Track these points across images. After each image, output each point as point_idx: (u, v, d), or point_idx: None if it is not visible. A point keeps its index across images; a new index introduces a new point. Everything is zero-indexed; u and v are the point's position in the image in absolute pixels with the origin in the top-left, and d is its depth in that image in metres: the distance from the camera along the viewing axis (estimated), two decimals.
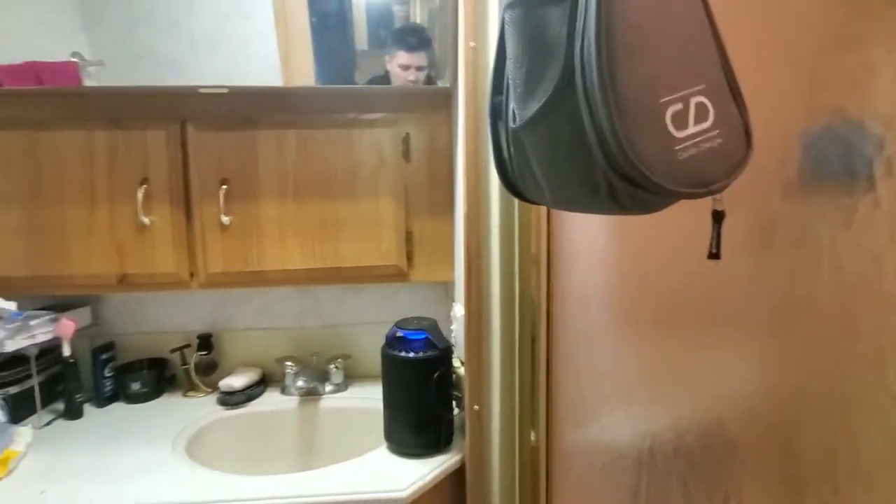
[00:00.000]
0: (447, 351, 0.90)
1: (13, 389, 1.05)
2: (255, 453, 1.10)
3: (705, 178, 0.34)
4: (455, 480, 0.91)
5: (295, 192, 1.06)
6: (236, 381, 1.16)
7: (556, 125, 0.40)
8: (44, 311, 1.07)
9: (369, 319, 1.29)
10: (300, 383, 1.14)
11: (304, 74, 1.05)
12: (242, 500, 0.79)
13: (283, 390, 1.21)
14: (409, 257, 1.10)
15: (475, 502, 0.90)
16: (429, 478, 0.84)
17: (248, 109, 1.06)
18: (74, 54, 1.02)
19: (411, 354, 0.87)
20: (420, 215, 1.10)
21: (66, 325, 1.06)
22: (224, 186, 1.04)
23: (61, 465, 0.90)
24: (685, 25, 0.36)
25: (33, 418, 1.06)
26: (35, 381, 1.06)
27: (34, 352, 1.04)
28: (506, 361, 0.83)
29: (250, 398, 1.16)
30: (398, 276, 1.11)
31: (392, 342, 0.92)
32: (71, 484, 0.83)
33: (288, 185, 1.06)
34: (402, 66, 1.05)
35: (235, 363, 1.25)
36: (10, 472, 0.86)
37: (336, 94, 1.08)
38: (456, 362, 0.99)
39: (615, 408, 0.57)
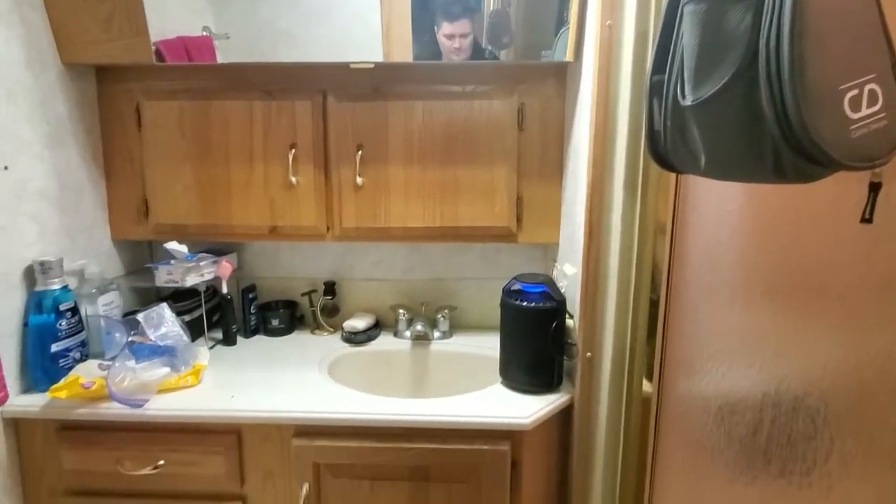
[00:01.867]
0: (563, 304, 1.01)
1: (187, 317, 1.27)
2: (381, 384, 1.28)
3: (871, 154, 0.41)
4: (562, 419, 1.03)
5: (420, 157, 1.18)
6: (358, 324, 1.33)
7: (729, 104, 0.48)
8: (206, 254, 1.27)
9: (472, 275, 1.42)
10: (419, 327, 1.29)
11: (402, 47, 1.11)
12: (389, 415, 0.95)
13: (396, 334, 1.37)
14: (519, 219, 1.21)
15: (581, 438, 1.03)
16: (545, 410, 0.97)
17: (379, 82, 1.18)
18: (205, 28, 1.16)
19: (531, 304, 0.99)
20: (530, 181, 1.19)
21: (225, 267, 1.26)
22: (359, 151, 1.18)
23: (237, 377, 1.10)
24: (861, 20, 0.43)
25: (201, 340, 1.29)
26: (203, 312, 1.28)
27: (203, 287, 1.25)
28: (620, 316, 0.93)
29: (370, 338, 1.34)
30: (507, 236, 1.22)
31: (510, 293, 1.04)
32: (251, 392, 1.03)
33: (413, 151, 1.19)
34: (446, 35, 1.07)
35: (354, 308, 1.43)
36: (201, 381, 1.07)
37: (458, 69, 1.17)
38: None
39: (738, 359, 0.66)
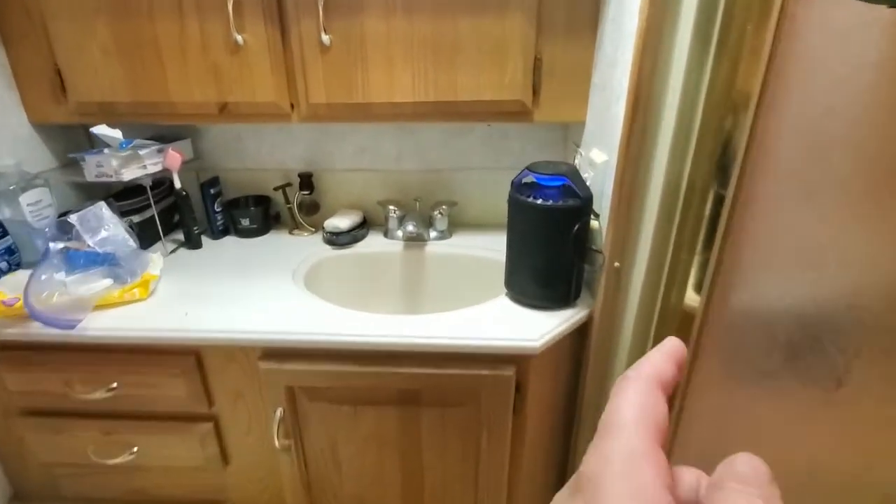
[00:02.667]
0: (589, 201, 0.78)
1: (136, 218, 1.07)
2: (368, 292, 1.12)
3: None
4: (577, 335, 0.87)
5: (405, 5, 0.88)
6: (341, 223, 1.13)
7: None
8: (150, 142, 1.04)
9: (475, 164, 1.18)
10: (410, 227, 1.09)
11: None
12: (372, 337, 0.80)
13: (387, 234, 1.18)
14: (536, 91, 0.93)
15: (597, 360, 0.87)
16: (558, 330, 0.80)
17: None
18: None
19: (549, 202, 0.77)
20: (553, 36, 0.90)
21: (174, 157, 1.03)
22: None
23: (195, 289, 0.94)
24: None
25: (158, 245, 1.11)
26: (154, 211, 1.08)
27: (148, 182, 1.04)
28: (664, 216, 0.72)
29: (356, 239, 1.15)
30: (520, 114, 0.95)
31: (521, 188, 0.82)
32: (209, 307, 0.87)
33: None
34: None
35: (337, 204, 1.22)
36: (151, 294, 0.90)
37: None
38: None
39: (830, 273, 0.46)
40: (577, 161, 1.00)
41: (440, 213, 1.15)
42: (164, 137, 1.12)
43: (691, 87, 0.65)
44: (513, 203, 0.82)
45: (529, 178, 0.83)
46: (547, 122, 0.97)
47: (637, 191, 0.74)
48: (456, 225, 1.21)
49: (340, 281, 1.10)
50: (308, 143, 1.19)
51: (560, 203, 0.77)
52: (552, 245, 0.80)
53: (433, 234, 1.16)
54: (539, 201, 0.77)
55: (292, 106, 0.97)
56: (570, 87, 0.93)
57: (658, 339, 0.78)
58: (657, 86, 0.67)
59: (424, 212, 1.16)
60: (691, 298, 0.71)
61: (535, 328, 0.80)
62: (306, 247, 1.14)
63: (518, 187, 0.83)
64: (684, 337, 0.68)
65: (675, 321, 0.74)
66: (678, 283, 0.74)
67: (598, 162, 0.83)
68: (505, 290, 0.90)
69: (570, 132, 1.09)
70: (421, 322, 0.83)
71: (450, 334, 0.79)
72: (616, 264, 0.79)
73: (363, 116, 0.98)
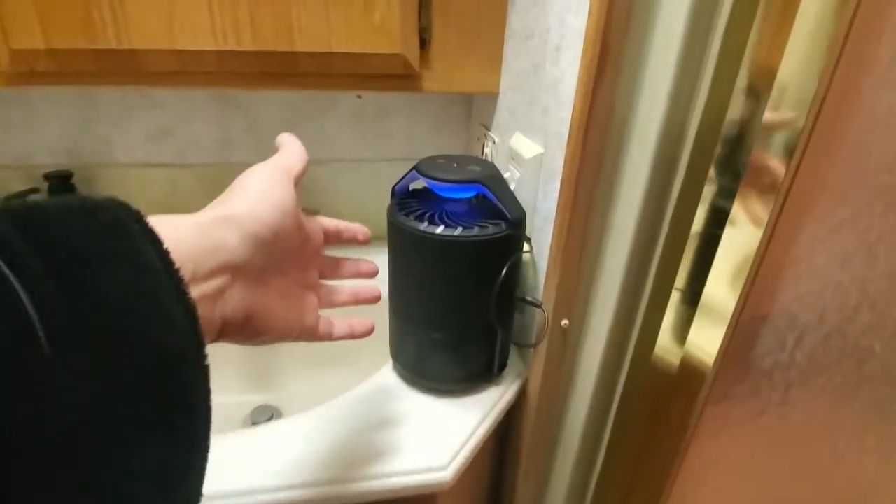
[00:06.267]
0: (520, 224, 0.47)
1: None
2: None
3: None
4: (500, 426, 0.57)
5: None
6: None
7: None
8: None
9: (342, 155, 0.81)
10: None
11: None
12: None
13: None
14: (425, 40, 0.59)
15: (532, 460, 0.58)
16: (478, 433, 0.49)
17: None
18: None
19: (456, 231, 0.44)
20: None
21: None
22: None
23: None
24: None
25: None
26: None
27: None
28: (642, 243, 0.43)
29: None
30: (401, 78, 0.61)
31: (406, 200, 0.48)
32: None
33: None
34: None
35: None
36: None
37: None
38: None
39: None
40: (487, 152, 0.68)
41: None
42: None
43: (698, 27, 0.35)
44: (395, 229, 0.47)
45: (420, 184, 0.49)
46: (443, 91, 0.64)
47: (596, 202, 0.44)
48: None
49: None
50: (65, 123, 0.73)
51: (476, 231, 0.44)
52: (463, 297, 0.48)
53: None
54: (440, 230, 0.44)
55: None
56: (476, 36, 0.61)
57: (623, 419, 0.51)
58: (637, 25, 0.37)
59: None
60: (666, 349, 0.44)
61: (442, 436, 0.48)
62: None
63: (401, 199, 0.49)
64: (684, 398, 0.40)
65: (649, 387, 0.47)
66: (649, 337, 0.46)
67: (526, 156, 0.52)
68: (391, 360, 0.57)
69: (477, 108, 0.78)
70: (251, 441, 0.46)
71: (299, 469, 0.44)
72: (564, 322, 0.49)
73: (128, 74, 0.56)
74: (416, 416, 0.50)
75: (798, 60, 0.29)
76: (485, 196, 0.46)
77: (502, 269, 0.45)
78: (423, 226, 0.44)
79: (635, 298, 0.46)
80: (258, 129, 0.77)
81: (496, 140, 0.66)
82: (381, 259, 0.80)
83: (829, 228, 0.34)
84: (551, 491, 0.61)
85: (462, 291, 0.47)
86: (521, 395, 0.56)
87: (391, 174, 0.81)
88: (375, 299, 0.40)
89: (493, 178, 0.45)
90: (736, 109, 0.34)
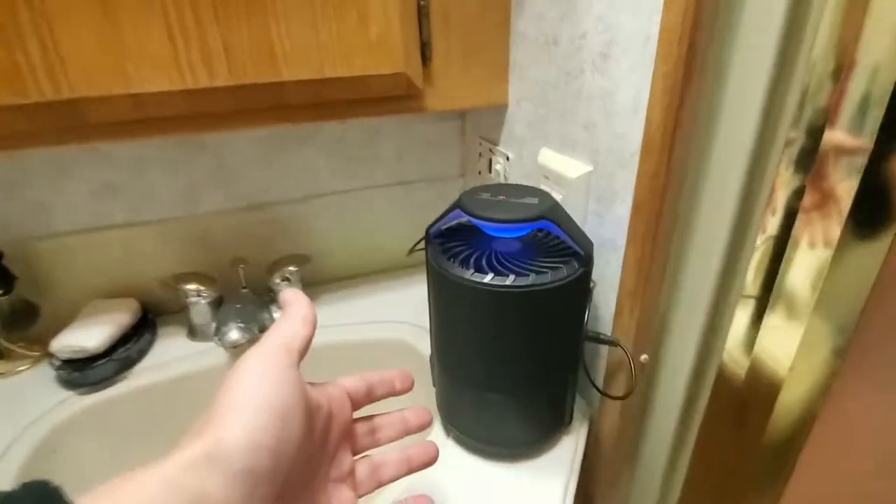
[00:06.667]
0: (592, 259, 0.41)
1: None
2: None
3: None
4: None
5: None
6: (89, 337, 0.58)
7: None
8: None
9: (326, 188, 0.72)
10: (233, 335, 0.59)
11: None
12: None
13: (192, 332, 0.66)
14: (426, 56, 0.52)
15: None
16: (570, 496, 0.42)
17: None
18: None
19: (529, 279, 0.37)
20: None
21: None
22: None
23: None
24: None
25: None
26: None
27: None
28: (729, 258, 0.38)
29: (127, 364, 0.61)
30: (403, 99, 0.53)
31: (446, 243, 0.41)
32: None
33: None
34: None
35: (74, 301, 0.65)
36: None
37: None
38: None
39: None
40: (497, 169, 0.62)
41: (284, 278, 0.68)
42: None
43: (797, 15, 0.31)
44: (440, 281, 0.40)
45: (462, 221, 0.42)
46: (448, 109, 0.57)
47: (677, 226, 0.39)
48: (314, 290, 0.74)
49: (107, 455, 0.56)
50: None
51: (549, 277, 0.37)
52: (537, 348, 0.41)
53: (278, 316, 0.68)
54: (510, 280, 0.37)
55: None
56: (479, 45, 0.54)
57: (704, 445, 0.46)
58: (723, 19, 0.32)
59: (256, 282, 0.67)
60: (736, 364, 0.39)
61: None
62: (19, 400, 0.56)
63: (441, 243, 0.42)
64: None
65: (741, 405, 0.42)
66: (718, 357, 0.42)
67: (569, 176, 0.46)
68: (440, 424, 0.49)
69: (473, 122, 0.71)
70: None
71: None
72: (644, 357, 0.44)
73: (70, 131, 0.45)
74: (493, 491, 0.43)
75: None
76: (550, 230, 0.39)
77: (576, 312, 0.39)
78: (488, 278, 0.37)
79: (720, 324, 0.41)
80: (227, 170, 0.67)
81: (510, 156, 0.60)
82: (404, 296, 0.72)
83: None
84: None
85: (534, 344, 0.40)
86: (590, 438, 0.51)
87: (382, 203, 0.74)
88: (432, 461, 0.32)
89: (556, 211, 0.39)
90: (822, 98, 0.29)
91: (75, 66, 0.42)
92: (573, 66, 0.44)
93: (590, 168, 0.45)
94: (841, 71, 0.28)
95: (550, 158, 0.49)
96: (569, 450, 0.47)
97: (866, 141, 0.27)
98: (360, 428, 0.31)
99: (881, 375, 0.36)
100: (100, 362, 0.58)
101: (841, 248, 0.30)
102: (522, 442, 0.45)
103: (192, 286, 0.64)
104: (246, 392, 0.22)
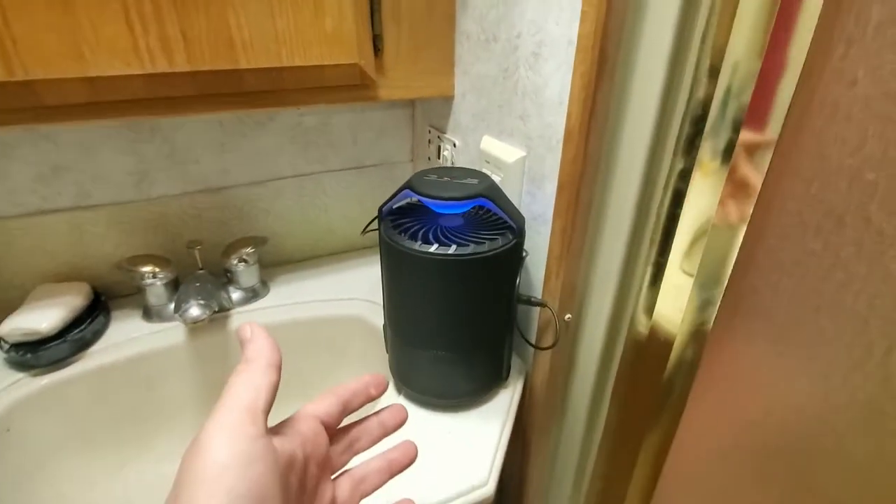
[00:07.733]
0: (524, 231, 0.47)
1: None
2: (135, 434, 0.62)
3: None
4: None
5: None
6: (40, 319, 0.58)
7: None
8: None
9: (284, 172, 0.75)
10: (194, 311, 0.61)
11: None
12: None
13: (148, 313, 0.67)
14: (378, 47, 0.56)
15: (539, 450, 0.60)
16: (504, 439, 0.49)
17: None
18: None
19: (470, 248, 0.43)
20: None
21: None
22: None
23: None
24: None
25: None
26: None
27: None
28: (636, 227, 0.45)
29: (81, 345, 0.61)
30: (357, 88, 0.57)
31: (397, 219, 0.46)
32: None
33: None
34: None
35: (21, 285, 0.64)
36: None
37: None
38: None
39: None
40: (445, 155, 0.68)
41: (242, 259, 0.70)
42: None
43: (683, 32, 0.38)
44: (394, 251, 0.45)
45: (410, 200, 0.47)
46: (399, 98, 0.62)
47: (594, 201, 0.46)
48: (271, 271, 0.77)
49: (62, 436, 0.57)
50: None
51: (486, 246, 0.43)
52: (475, 310, 0.47)
53: (236, 296, 0.70)
54: (452, 249, 0.42)
55: None
56: (427, 39, 0.59)
57: (619, 393, 0.55)
58: (628, 33, 0.39)
59: (212, 264, 0.69)
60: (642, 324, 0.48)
61: (472, 452, 0.47)
62: None
63: (392, 220, 0.46)
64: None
65: (645, 356, 0.50)
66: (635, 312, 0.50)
67: (507, 160, 0.52)
68: (393, 385, 0.55)
69: (423, 111, 0.76)
70: None
71: None
72: (567, 317, 0.51)
73: (22, 111, 0.46)
74: (441, 437, 0.49)
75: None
76: (489, 208, 0.45)
77: (510, 277, 0.45)
78: (433, 248, 0.42)
79: (628, 279, 0.49)
80: (181, 154, 0.68)
81: (456, 143, 0.65)
82: (358, 275, 0.76)
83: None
84: (557, 472, 0.64)
85: (474, 306, 0.46)
86: (525, 390, 0.58)
87: (337, 186, 0.77)
88: (412, 461, 0.33)
89: (493, 190, 0.45)
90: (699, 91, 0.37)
91: (29, 49, 0.43)
92: (510, 63, 0.50)
93: (524, 153, 0.51)
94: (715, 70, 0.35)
95: (491, 145, 0.55)
96: (506, 399, 0.53)
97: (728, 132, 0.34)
98: (338, 448, 0.29)
99: (747, 325, 0.45)
100: (52, 344, 0.58)
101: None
102: (465, 392, 0.51)
103: (147, 268, 0.65)
104: (214, 483, 0.20)
